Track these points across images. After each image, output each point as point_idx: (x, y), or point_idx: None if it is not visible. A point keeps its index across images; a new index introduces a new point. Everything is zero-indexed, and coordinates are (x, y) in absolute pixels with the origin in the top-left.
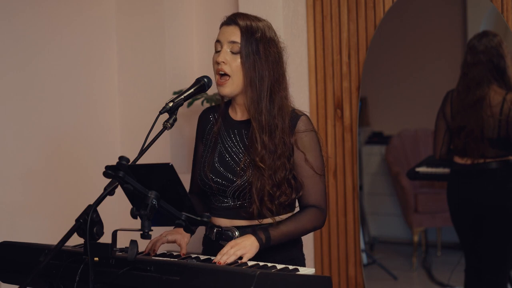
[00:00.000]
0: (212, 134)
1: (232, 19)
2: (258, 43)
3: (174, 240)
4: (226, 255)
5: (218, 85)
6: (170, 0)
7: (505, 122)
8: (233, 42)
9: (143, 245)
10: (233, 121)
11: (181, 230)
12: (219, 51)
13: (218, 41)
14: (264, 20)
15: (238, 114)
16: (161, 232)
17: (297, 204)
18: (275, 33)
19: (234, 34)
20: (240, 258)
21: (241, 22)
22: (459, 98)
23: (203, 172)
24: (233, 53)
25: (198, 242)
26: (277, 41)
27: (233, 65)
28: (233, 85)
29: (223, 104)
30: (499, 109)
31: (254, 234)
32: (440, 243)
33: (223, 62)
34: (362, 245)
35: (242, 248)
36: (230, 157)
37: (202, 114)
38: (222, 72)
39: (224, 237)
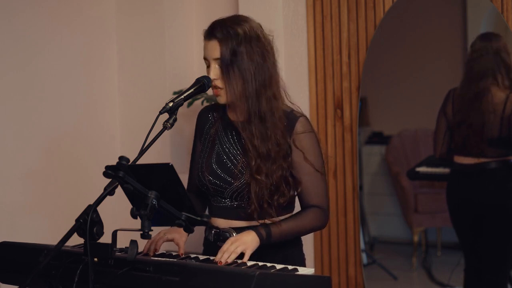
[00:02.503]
0: (210, 134)
1: (210, 32)
2: (238, 50)
3: (172, 239)
4: (227, 253)
5: (214, 95)
6: (170, 0)
7: (507, 121)
8: (217, 58)
9: (143, 245)
10: (231, 122)
11: (179, 229)
12: (209, 67)
13: (205, 58)
14: (245, 21)
15: (235, 115)
16: (160, 231)
17: (297, 204)
18: (259, 28)
19: (215, 49)
20: (241, 255)
21: (218, 34)
22: (461, 93)
23: (201, 173)
24: (220, 67)
25: (198, 242)
26: (260, 37)
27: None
28: (227, 95)
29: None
30: (502, 107)
31: (255, 229)
32: (440, 243)
33: (215, 78)
34: (362, 245)
35: (242, 244)
36: (227, 158)
37: (201, 113)
38: (217, 88)
39: (222, 238)
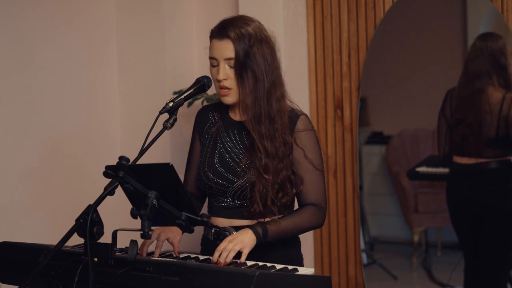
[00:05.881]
0: (211, 134)
1: (221, 32)
2: (251, 50)
3: (166, 238)
4: (225, 251)
5: (221, 95)
6: (170, 0)
7: (504, 122)
8: (229, 58)
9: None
10: (232, 121)
11: (173, 228)
12: (216, 66)
13: (213, 58)
14: (252, 21)
15: (237, 114)
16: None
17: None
18: (265, 29)
19: (227, 49)
20: (239, 254)
21: (231, 34)
22: (459, 91)
23: (203, 173)
24: (231, 67)
25: (197, 242)
26: (268, 37)
27: (234, 78)
28: (236, 95)
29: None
30: (498, 108)
31: (251, 227)
32: (440, 243)
33: (224, 79)
34: (362, 245)
35: (240, 243)
36: (230, 157)
37: (200, 112)
38: (225, 88)
39: (222, 237)
